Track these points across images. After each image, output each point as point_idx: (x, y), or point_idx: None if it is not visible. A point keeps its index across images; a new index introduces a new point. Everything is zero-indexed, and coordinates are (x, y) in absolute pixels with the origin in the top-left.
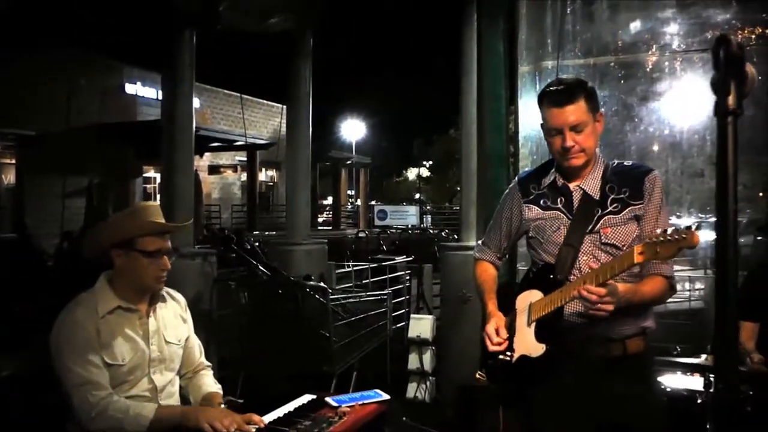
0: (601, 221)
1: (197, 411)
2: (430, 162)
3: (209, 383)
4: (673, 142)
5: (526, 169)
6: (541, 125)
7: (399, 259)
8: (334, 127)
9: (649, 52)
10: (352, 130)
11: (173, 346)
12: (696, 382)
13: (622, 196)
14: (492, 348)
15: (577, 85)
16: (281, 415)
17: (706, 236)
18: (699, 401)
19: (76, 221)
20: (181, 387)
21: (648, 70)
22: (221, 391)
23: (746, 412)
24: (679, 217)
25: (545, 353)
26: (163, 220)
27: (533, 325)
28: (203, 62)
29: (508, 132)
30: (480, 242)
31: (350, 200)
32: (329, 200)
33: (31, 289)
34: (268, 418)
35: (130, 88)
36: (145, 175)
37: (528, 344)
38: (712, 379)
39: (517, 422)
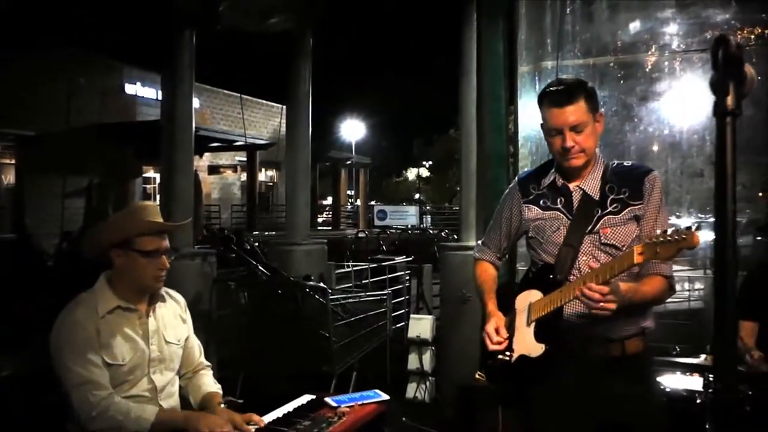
0: (601, 221)
1: (198, 416)
2: (430, 162)
3: (209, 383)
4: (673, 142)
5: (526, 169)
6: (541, 125)
7: (399, 259)
8: (333, 127)
9: (649, 53)
10: (352, 130)
11: (173, 346)
12: (695, 383)
13: (621, 196)
14: (492, 347)
15: (577, 85)
16: (281, 415)
17: (706, 236)
18: (698, 401)
19: (76, 221)
20: (180, 387)
21: (647, 70)
22: (221, 391)
23: (745, 412)
24: (678, 217)
25: (544, 353)
26: (161, 220)
27: (533, 325)
28: (203, 62)
29: (508, 132)
30: (480, 242)
31: (350, 200)
32: (329, 200)
33: (31, 289)
34: (268, 418)
35: (130, 89)
36: (144, 175)
37: (527, 344)
38: (711, 379)
39: (516, 422)
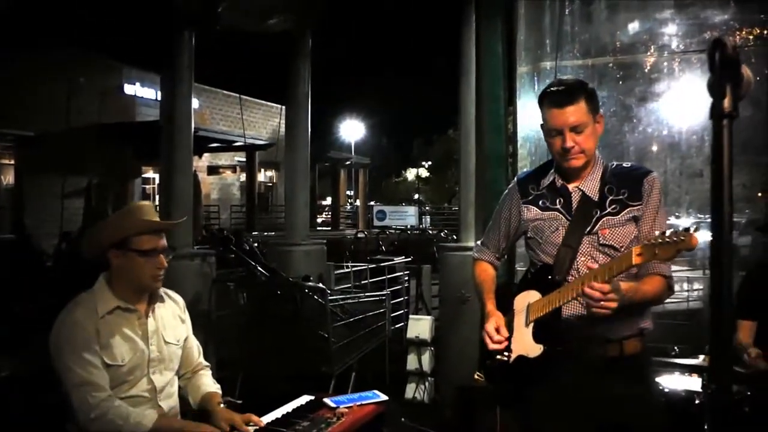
0: (600, 222)
1: (198, 427)
2: (429, 162)
3: (208, 383)
4: (672, 142)
5: (525, 169)
6: (541, 126)
7: (398, 259)
8: (333, 128)
9: (648, 53)
10: (351, 130)
11: (172, 347)
12: (694, 383)
13: (620, 197)
14: (492, 346)
15: (577, 85)
16: (279, 415)
17: (705, 236)
18: (697, 402)
19: (75, 221)
20: (180, 387)
21: (646, 70)
22: (220, 392)
23: (744, 412)
24: (678, 217)
25: (543, 354)
26: (157, 219)
27: (531, 325)
28: (202, 63)
29: (507, 132)
30: (479, 242)
31: (349, 201)
32: (328, 201)
33: (30, 290)
34: (267, 418)
35: (129, 89)
36: (144, 175)
37: (526, 345)
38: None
39: (514, 423)
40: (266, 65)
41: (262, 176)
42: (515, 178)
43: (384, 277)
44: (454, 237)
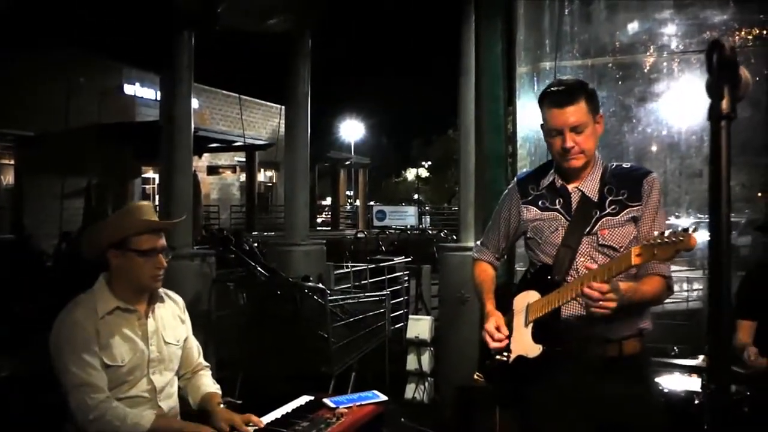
0: (599, 223)
1: (197, 428)
2: (429, 162)
3: (208, 384)
4: (672, 142)
5: (525, 170)
6: (541, 126)
7: (397, 259)
8: (332, 128)
9: (647, 53)
10: (351, 130)
11: (172, 347)
12: (694, 383)
13: (620, 197)
14: (493, 345)
15: (578, 86)
16: (279, 416)
17: (705, 236)
18: (696, 402)
19: (75, 222)
20: (179, 388)
21: (646, 71)
22: (220, 392)
23: (743, 412)
24: (677, 217)
25: (542, 354)
26: (156, 218)
27: (530, 325)
28: (202, 63)
29: (507, 132)
30: (479, 243)
31: (349, 201)
32: (328, 201)
33: (30, 290)
34: (266, 419)
35: (129, 89)
36: (143, 175)
37: (525, 345)
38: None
39: (514, 423)
40: (266, 65)
41: (261, 176)
42: (515, 179)
43: (384, 277)
44: (454, 237)
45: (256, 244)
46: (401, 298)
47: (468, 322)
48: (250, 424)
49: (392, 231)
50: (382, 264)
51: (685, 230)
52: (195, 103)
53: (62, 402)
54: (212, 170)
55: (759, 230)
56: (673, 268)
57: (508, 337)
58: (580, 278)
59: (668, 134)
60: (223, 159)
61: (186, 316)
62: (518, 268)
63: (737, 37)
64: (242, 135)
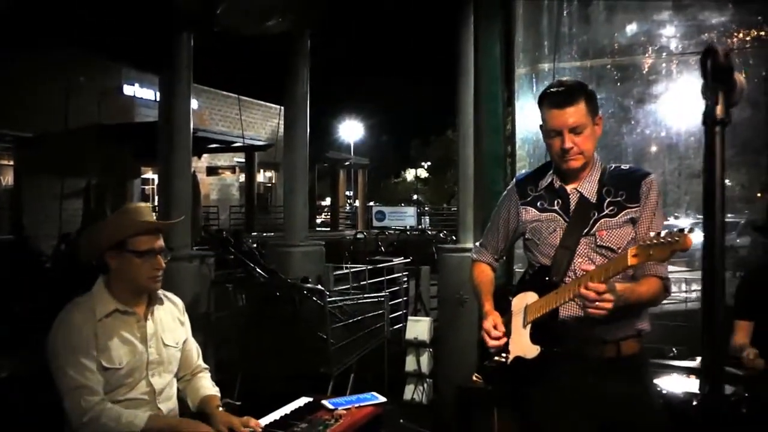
0: (597, 224)
1: (191, 424)
2: (428, 163)
3: (207, 386)
4: (670, 143)
5: (524, 170)
6: (541, 126)
7: (397, 260)
8: (332, 128)
9: (646, 55)
10: (350, 131)
11: (171, 349)
12: (692, 384)
13: (618, 199)
14: (491, 343)
15: (577, 87)
16: (278, 417)
17: (701, 237)
18: (695, 403)
19: (74, 222)
20: (179, 390)
21: (644, 72)
22: (219, 394)
23: (741, 413)
24: (677, 218)
25: (540, 355)
26: (153, 219)
27: (529, 326)
28: (201, 63)
29: (505, 133)
30: (477, 244)
31: (348, 201)
32: (327, 201)
33: (30, 290)
34: (265, 420)
35: (128, 90)
36: (143, 176)
37: (523, 346)
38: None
39: (513, 424)
40: (265, 66)
41: (261, 177)
42: (514, 180)
43: (383, 278)
44: (453, 238)
45: (255, 245)
46: (400, 299)
47: (467, 323)
48: (249, 426)
49: (391, 231)
50: (381, 265)
51: (681, 231)
52: (194, 104)
53: (60, 402)
54: (211, 171)
55: (758, 231)
56: (672, 269)
57: (507, 337)
58: (577, 279)
59: (667, 135)
60: (223, 159)
61: (185, 318)
62: (517, 269)
63: (736, 39)
64: (241, 135)
